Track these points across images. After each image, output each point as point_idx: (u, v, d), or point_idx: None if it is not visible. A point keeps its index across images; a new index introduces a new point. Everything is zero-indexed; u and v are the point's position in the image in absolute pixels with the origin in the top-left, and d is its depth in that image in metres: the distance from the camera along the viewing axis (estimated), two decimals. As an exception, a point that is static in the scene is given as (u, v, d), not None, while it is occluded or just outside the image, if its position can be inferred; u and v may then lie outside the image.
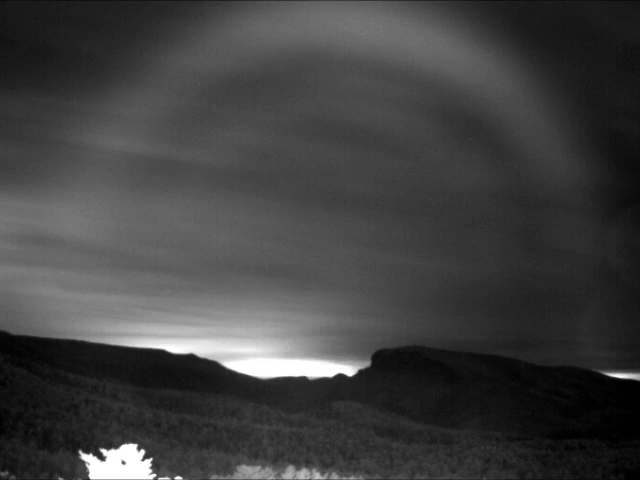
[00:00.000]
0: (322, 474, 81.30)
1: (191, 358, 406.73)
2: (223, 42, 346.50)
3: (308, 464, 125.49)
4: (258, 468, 65.91)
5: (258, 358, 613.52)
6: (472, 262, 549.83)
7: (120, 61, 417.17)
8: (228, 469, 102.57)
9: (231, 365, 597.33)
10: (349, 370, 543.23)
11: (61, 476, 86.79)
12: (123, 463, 29.29)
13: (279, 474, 70.14)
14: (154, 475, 30.48)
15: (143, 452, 30.01)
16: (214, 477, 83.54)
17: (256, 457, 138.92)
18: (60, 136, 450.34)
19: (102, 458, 29.39)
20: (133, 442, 33.20)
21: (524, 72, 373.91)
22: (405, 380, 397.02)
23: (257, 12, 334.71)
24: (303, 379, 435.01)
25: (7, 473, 75.38)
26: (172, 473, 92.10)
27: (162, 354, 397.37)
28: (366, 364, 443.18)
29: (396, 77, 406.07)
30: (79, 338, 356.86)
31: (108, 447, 31.84)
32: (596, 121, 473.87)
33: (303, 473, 70.67)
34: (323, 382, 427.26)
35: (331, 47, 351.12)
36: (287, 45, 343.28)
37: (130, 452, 29.54)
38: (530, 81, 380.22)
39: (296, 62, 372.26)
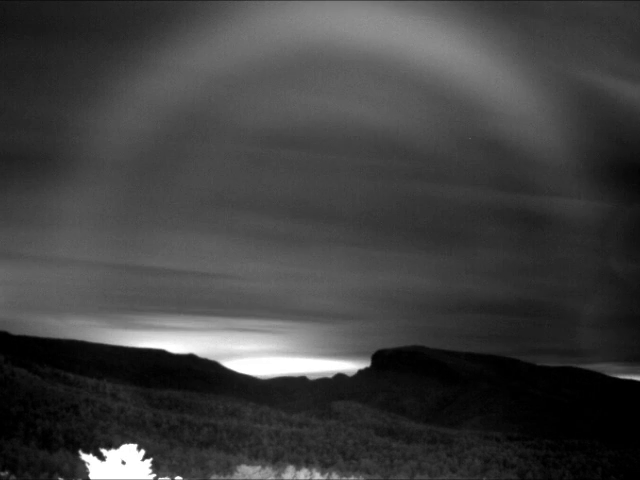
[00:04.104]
0: (322, 474, 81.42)
1: (191, 358, 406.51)
2: (223, 41, 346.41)
3: (308, 464, 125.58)
4: (258, 468, 66.02)
5: (258, 357, 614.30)
6: (472, 263, 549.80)
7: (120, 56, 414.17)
8: (228, 469, 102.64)
9: (231, 365, 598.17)
10: (349, 370, 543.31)
11: (61, 476, 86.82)
12: (123, 463, 29.32)
13: (279, 474, 70.26)
14: (154, 475, 30.50)
15: (143, 452, 30.04)
16: (214, 477, 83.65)
17: (256, 457, 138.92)
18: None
19: (102, 458, 29.41)
20: (133, 442, 33.23)
21: (525, 71, 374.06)
22: (405, 380, 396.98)
23: (258, 11, 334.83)
24: (303, 379, 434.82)
25: (7, 473, 75.45)
26: (172, 473, 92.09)
27: (162, 354, 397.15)
28: (366, 364, 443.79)
29: (395, 76, 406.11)
30: (79, 338, 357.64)
31: (108, 447, 31.85)
32: (597, 122, 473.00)
33: (303, 473, 70.80)
34: (323, 382, 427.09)
35: (330, 47, 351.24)
36: (287, 44, 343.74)
37: (130, 452, 29.58)
38: (530, 80, 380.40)
39: (295, 61, 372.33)
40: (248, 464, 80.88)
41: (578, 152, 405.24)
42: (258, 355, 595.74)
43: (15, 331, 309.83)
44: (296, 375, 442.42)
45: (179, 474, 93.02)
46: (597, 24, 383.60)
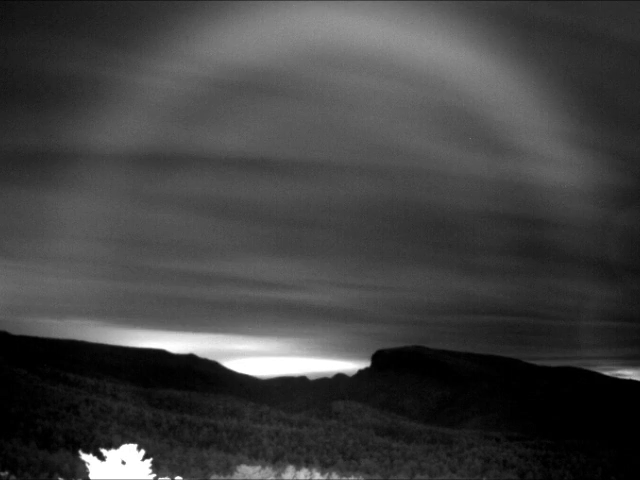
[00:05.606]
0: (322, 474, 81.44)
1: (191, 358, 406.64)
2: (222, 44, 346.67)
3: (308, 464, 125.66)
4: (258, 468, 66.04)
5: (258, 357, 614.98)
6: (472, 264, 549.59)
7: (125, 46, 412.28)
8: (228, 469, 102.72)
9: (231, 364, 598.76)
10: (349, 370, 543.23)
11: (61, 476, 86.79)
12: (123, 463, 29.33)
13: (279, 474, 70.28)
14: (154, 475, 30.53)
15: (143, 452, 30.06)
16: (214, 477, 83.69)
17: (256, 457, 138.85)
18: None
19: (102, 458, 29.43)
20: (133, 442, 33.25)
21: (525, 72, 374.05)
22: (405, 380, 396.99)
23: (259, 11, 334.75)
24: (303, 379, 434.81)
25: (7, 473, 75.49)
26: (172, 473, 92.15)
27: (162, 354, 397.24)
28: (366, 364, 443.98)
29: (395, 76, 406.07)
30: (79, 338, 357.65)
31: (108, 447, 31.87)
32: (597, 122, 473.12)
33: (303, 473, 70.82)
34: (323, 382, 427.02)
35: (330, 46, 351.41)
36: (288, 44, 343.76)
37: (130, 452, 29.60)
38: (531, 81, 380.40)
39: (296, 61, 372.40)
40: (248, 464, 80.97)
41: (578, 150, 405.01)
42: (258, 355, 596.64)
43: (15, 331, 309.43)
44: (296, 375, 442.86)
45: (179, 474, 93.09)
46: (597, 22, 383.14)
